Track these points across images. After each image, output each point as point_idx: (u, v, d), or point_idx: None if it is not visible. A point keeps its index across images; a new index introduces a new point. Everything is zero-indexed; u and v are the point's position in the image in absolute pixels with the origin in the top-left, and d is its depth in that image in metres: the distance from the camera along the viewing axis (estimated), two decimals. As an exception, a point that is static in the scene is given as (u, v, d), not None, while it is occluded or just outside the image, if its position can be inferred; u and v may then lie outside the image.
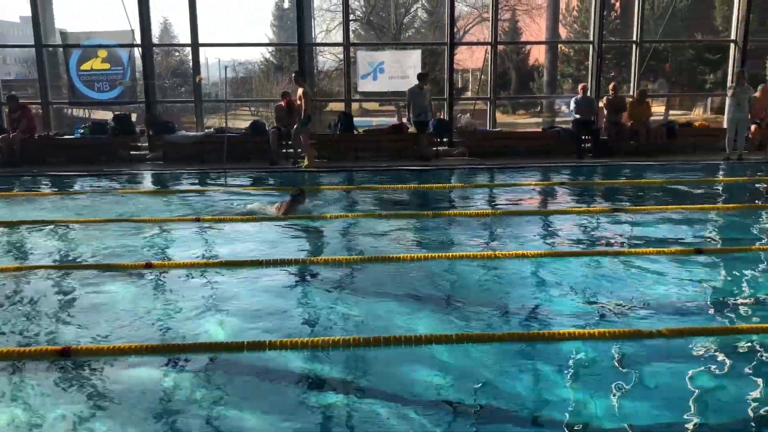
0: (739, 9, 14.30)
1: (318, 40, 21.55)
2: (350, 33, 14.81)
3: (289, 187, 9.80)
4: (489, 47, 14.45)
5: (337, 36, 19.23)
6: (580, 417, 3.40)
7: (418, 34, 27.50)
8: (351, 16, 23.92)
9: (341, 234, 7.42)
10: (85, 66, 13.47)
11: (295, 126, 12.16)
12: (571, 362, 4.05)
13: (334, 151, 13.14)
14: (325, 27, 24.53)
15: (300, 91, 11.97)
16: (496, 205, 9.20)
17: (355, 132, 13.56)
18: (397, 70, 13.85)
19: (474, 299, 5.18)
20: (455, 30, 16.04)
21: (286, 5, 29.37)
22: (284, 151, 12.79)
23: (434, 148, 13.29)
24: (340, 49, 15.18)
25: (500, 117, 24.61)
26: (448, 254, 6.25)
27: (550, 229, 7.76)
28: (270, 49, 27.19)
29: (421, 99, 12.81)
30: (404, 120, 13.69)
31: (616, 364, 4.00)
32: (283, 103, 12.76)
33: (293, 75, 12.62)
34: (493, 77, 14.53)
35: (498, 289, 5.51)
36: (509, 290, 5.46)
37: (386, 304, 5.04)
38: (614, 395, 3.60)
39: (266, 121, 14.22)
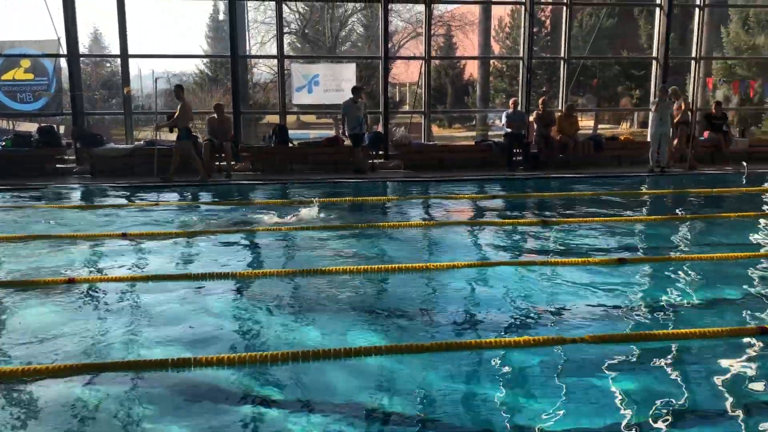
0: (659, 28, 14.95)
1: (253, 53, 21.44)
2: (285, 45, 14.78)
3: (223, 200, 9.69)
4: (423, 62, 14.65)
5: (272, 48, 19.15)
6: (507, 424, 3.44)
7: (354, 47, 27.65)
8: (286, 29, 23.91)
9: (273, 247, 7.35)
10: (7, 76, 12.97)
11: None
12: (499, 370, 4.12)
13: (269, 164, 13.04)
14: (260, 39, 24.43)
15: (180, 104, 11.77)
16: (429, 217, 9.28)
17: (291, 144, 13.50)
18: (332, 83, 13.89)
19: (406, 310, 5.20)
20: (390, 44, 16.20)
21: (221, 17, 29.06)
22: (217, 164, 12.61)
23: (370, 161, 13.35)
24: (276, 61, 15.10)
25: (437, 130, 24.96)
26: (380, 266, 6.26)
27: (480, 240, 7.88)
28: (205, 60, 26.83)
29: (356, 112, 12.87)
30: (339, 133, 13.73)
31: (542, 371, 4.08)
32: (215, 115, 12.60)
33: (174, 88, 12.28)
34: (428, 91, 14.72)
35: (428, 300, 5.55)
36: (439, 301, 5.52)
37: (318, 317, 5.02)
38: (540, 401, 3.67)
39: (199, 134, 13.97)
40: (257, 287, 5.79)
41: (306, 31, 25.92)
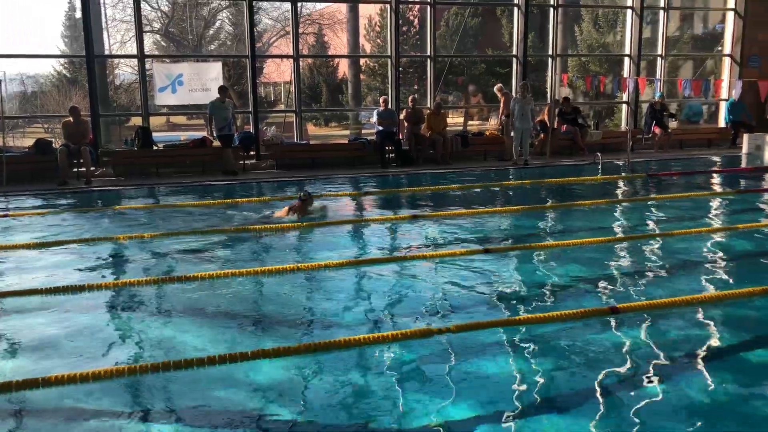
0: (518, 27, 15.64)
1: (113, 52, 20.37)
2: (146, 44, 14.14)
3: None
4: (292, 60, 14.50)
5: (133, 47, 18.24)
6: (381, 419, 3.44)
7: (223, 46, 26.93)
8: (149, 28, 22.93)
9: (139, 254, 6.98)
10: None
11: None
12: (370, 366, 4.12)
13: (132, 168, 12.42)
14: (120, 38, 23.24)
15: None
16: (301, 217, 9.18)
17: (155, 147, 12.93)
18: (198, 82, 13.45)
19: (275, 313, 5.14)
20: (260, 43, 15.92)
21: (78, 15, 27.38)
22: (75, 170, 11.87)
23: (241, 162, 13.05)
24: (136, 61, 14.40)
25: (314, 129, 24.82)
26: (250, 270, 6.09)
27: (351, 237, 7.89)
28: (62, 61, 25.16)
29: (223, 112, 12.58)
30: (207, 134, 13.32)
31: (411, 363, 4.13)
32: (70, 118, 11.85)
33: None
34: (298, 90, 14.59)
35: (299, 301, 5.47)
36: (309, 301, 5.45)
37: (182, 325, 4.83)
38: (412, 394, 3.70)
39: (56, 138, 13.12)
40: (122, 297, 5.48)
41: (170, 29, 24.95)
